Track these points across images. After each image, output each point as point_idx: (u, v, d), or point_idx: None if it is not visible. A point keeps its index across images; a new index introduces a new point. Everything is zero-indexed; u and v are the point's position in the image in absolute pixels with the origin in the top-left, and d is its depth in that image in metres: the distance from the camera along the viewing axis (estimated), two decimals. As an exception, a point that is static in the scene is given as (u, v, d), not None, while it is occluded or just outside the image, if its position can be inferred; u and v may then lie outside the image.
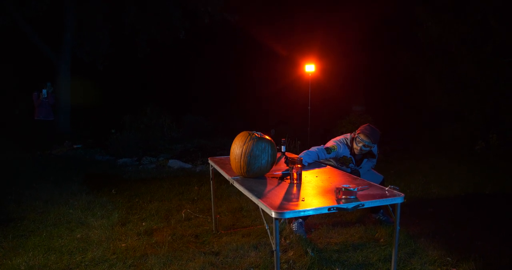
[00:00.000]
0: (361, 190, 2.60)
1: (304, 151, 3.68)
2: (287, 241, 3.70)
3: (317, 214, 4.41)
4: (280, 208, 2.23)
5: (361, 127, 3.84)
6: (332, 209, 2.29)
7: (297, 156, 3.60)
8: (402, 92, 11.05)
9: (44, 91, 8.84)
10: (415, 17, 9.31)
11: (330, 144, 3.92)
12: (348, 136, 3.99)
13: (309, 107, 8.63)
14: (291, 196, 2.53)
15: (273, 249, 2.25)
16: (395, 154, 9.07)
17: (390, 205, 2.52)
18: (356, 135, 3.83)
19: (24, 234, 3.91)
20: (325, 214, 4.43)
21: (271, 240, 2.29)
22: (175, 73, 12.82)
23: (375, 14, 10.50)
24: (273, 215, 2.18)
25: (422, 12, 9.10)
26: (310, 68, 8.30)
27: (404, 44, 10.18)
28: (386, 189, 2.59)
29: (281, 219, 2.26)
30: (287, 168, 3.11)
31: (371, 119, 9.23)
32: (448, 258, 3.30)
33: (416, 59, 9.75)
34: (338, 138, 4.03)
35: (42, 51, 10.92)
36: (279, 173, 3.19)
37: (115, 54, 11.64)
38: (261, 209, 2.40)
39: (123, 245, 3.62)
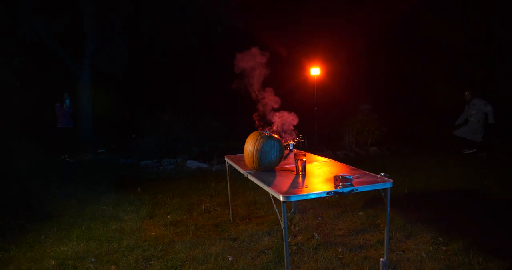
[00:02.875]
0: (357, 178, 3.04)
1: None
2: (297, 228, 4.16)
3: (324, 204, 4.89)
4: (287, 193, 2.70)
5: None
6: (330, 193, 2.74)
7: (303, 152, 4.06)
8: (408, 91, 11.38)
9: (67, 101, 9.55)
10: (421, 18, 9.66)
11: None
12: None
13: (315, 108, 9.08)
14: (296, 184, 2.99)
15: (282, 227, 2.72)
16: (400, 149, 9.45)
17: (382, 189, 2.95)
18: None
19: (66, 227, 4.47)
20: (331, 203, 4.92)
21: (280, 220, 2.76)
22: (190, 79, 13.40)
23: (382, 15, 10.85)
24: (281, 198, 2.65)
25: (428, 13, 9.44)
26: (315, 71, 8.78)
27: (411, 45, 10.54)
28: (378, 176, 3.03)
29: (288, 202, 2.71)
30: (295, 162, 3.57)
31: (377, 117, 9.63)
32: (440, 239, 3.71)
33: (422, 60, 10.10)
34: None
35: (65, 63, 11.63)
36: (287, 166, 3.66)
37: (133, 63, 12.31)
38: (272, 195, 2.87)
39: (153, 233, 4.14)
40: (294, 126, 4.47)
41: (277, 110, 4.35)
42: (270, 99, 4.35)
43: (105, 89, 11.94)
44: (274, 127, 4.27)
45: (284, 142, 4.33)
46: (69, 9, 11.08)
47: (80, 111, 11.64)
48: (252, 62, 4.32)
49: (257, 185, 3.26)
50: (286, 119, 4.30)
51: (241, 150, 3.99)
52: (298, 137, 4.33)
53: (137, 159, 8.53)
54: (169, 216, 4.73)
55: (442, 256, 3.35)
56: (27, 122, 11.34)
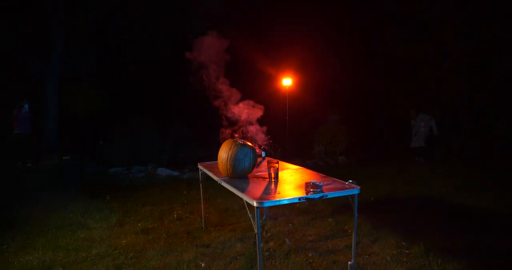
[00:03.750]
0: (327, 184, 3.18)
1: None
2: (268, 234, 4.25)
3: (295, 211, 5.01)
4: (260, 199, 2.79)
5: None
6: (302, 198, 2.85)
7: (276, 159, 4.17)
8: (373, 103, 11.93)
9: (26, 106, 9.16)
10: (383, 37, 10.23)
11: None
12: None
13: (287, 118, 9.29)
14: (269, 190, 3.09)
15: (255, 232, 2.80)
16: (367, 158, 9.82)
17: (350, 196, 3.11)
18: None
19: (31, 236, 4.31)
20: (302, 210, 5.06)
21: (253, 225, 2.84)
22: (161, 86, 13.28)
23: (347, 32, 11.40)
24: (255, 204, 2.73)
25: (389, 32, 10.03)
26: (287, 82, 9.02)
27: (374, 61, 11.09)
28: (346, 183, 3.18)
29: (261, 207, 2.80)
30: (267, 169, 3.67)
31: (345, 127, 9.99)
32: (403, 243, 3.92)
33: (384, 75, 10.67)
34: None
35: (31, 68, 11.19)
36: (260, 173, 3.75)
37: (103, 69, 12.05)
38: (245, 201, 2.94)
39: (123, 241, 4.08)
40: (268, 134, 4.57)
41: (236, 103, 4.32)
42: (228, 92, 4.31)
43: (74, 95, 11.59)
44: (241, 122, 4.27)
45: (256, 144, 4.35)
46: (36, 11, 10.76)
47: (46, 117, 11.22)
48: (207, 52, 4.25)
49: (229, 192, 3.32)
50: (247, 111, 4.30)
51: (212, 158, 4.03)
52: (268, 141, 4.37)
53: (105, 166, 8.33)
54: (140, 224, 4.68)
55: (405, 259, 3.55)
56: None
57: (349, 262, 3.28)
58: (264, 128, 4.42)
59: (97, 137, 10.52)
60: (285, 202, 2.83)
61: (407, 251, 3.74)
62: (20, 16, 10.61)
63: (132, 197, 6.04)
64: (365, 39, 11.52)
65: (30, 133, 9.50)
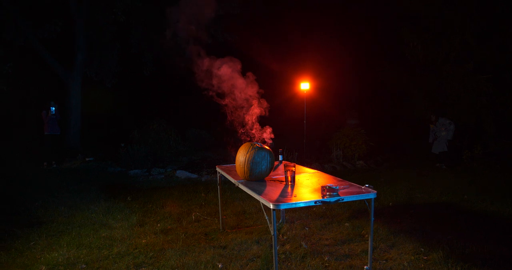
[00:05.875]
0: (343, 188, 3.20)
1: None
2: (285, 237, 4.28)
3: (311, 215, 5.02)
4: (277, 201, 2.84)
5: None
6: (318, 202, 2.89)
7: (293, 163, 4.21)
8: (392, 106, 11.79)
9: (53, 109, 9.52)
10: (401, 37, 10.12)
11: None
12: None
13: (304, 122, 9.30)
14: (286, 193, 3.13)
15: (272, 234, 2.84)
16: (385, 163, 9.71)
17: (366, 200, 3.11)
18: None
19: (56, 234, 4.49)
20: (318, 214, 5.06)
21: (269, 227, 2.89)
22: (179, 89, 13.54)
23: (366, 34, 11.32)
24: (271, 206, 2.78)
25: (408, 32, 9.92)
26: (305, 86, 9.05)
27: (392, 62, 10.97)
28: (363, 187, 3.19)
29: (278, 209, 2.85)
30: (284, 172, 3.72)
31: (364, 131, 9.90)
32: (421, 249, 3.88)
33: (403, 77, 10.53)
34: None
35: (55, 71, 11.65)
36: (277, 177, 3.80)
37: (123, 72, 12.42)
38: (262, 203, 3.00)
39: (143, 241, 4.20)
40: (285, 138, 4.59)
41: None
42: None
43: (95, 98, 12.00)
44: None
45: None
46: (59, 15, 11.21)
47: (69, 119, 11.63)
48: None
49: (246, 195, 3.39)
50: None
51: (229, 160, 4.10)
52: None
53: (126, 167, 8.55)
54: (159, 224, 4.79)
55: (423, 265, 3.51)
56: (14, 128, 11.25)
57: (365, 267, 3.28)
58: (263, 104, 4.34)
59: (119, 139, 10.84)
60: (301, 205, 2.87)
61: (425, 258, 3.69)
62: (45, 17, 11.08)
63: (152, 198, 6.18)
64: (383, 41, 11.43)
65: (59, 135, 9.90)
